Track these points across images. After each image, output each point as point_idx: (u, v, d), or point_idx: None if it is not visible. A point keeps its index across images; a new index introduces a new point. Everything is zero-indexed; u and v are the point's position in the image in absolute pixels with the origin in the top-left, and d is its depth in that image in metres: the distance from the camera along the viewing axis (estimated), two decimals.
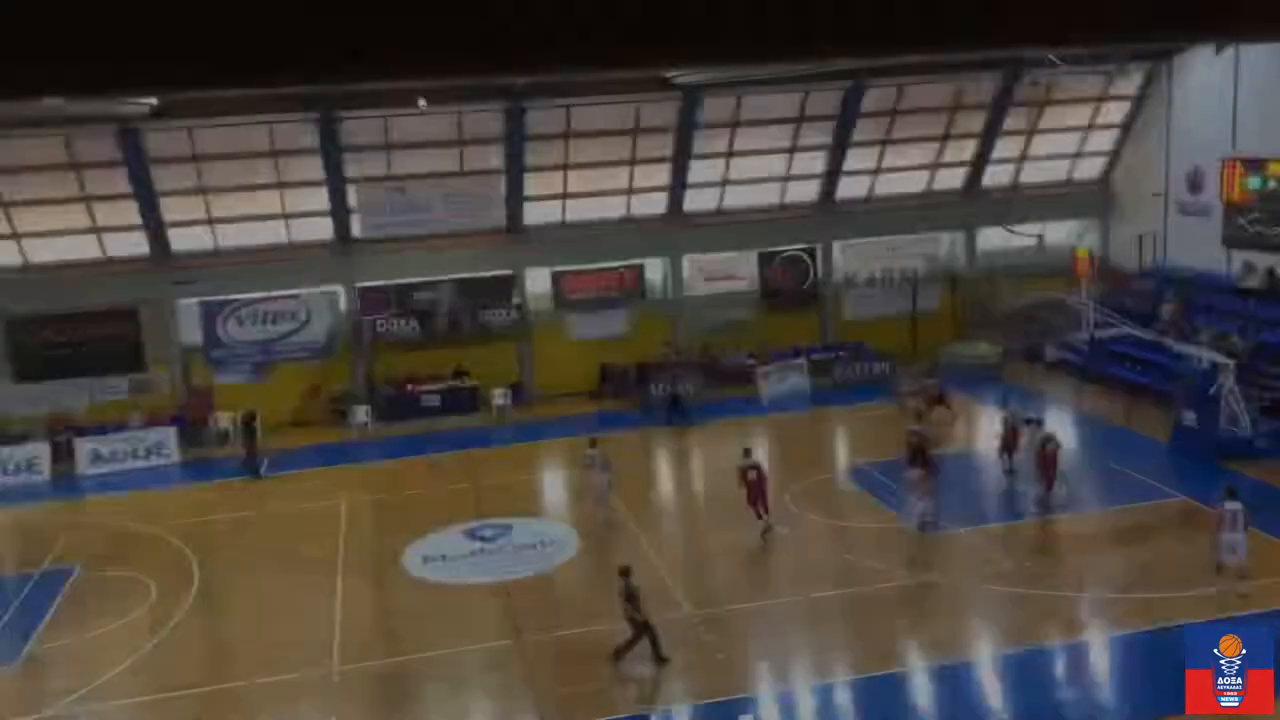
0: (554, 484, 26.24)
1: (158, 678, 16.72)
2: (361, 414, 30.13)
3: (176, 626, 18.50)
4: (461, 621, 18.03)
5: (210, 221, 29.91)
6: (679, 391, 29.81)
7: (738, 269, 33.32)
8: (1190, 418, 24.01)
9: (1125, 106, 33.42)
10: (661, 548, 20.65)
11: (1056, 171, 35.08)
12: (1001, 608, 17.45)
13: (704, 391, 30.94)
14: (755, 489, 20.61)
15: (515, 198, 31.16)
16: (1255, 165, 28.30)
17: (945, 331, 33.91)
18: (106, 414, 29.26)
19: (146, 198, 28.70)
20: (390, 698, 15.79)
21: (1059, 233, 35.48)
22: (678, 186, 32.03)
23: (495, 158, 30.77)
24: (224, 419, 29.81)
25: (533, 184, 31.17)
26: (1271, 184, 27.91)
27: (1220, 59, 29.21)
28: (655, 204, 32.58)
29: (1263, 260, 28.36)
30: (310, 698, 15.88)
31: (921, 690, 15.33)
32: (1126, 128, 33.90)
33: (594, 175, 31.69)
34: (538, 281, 32.38)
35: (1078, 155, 34.74)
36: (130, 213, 29.06)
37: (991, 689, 15.40)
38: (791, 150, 32.18)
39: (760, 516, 20.55)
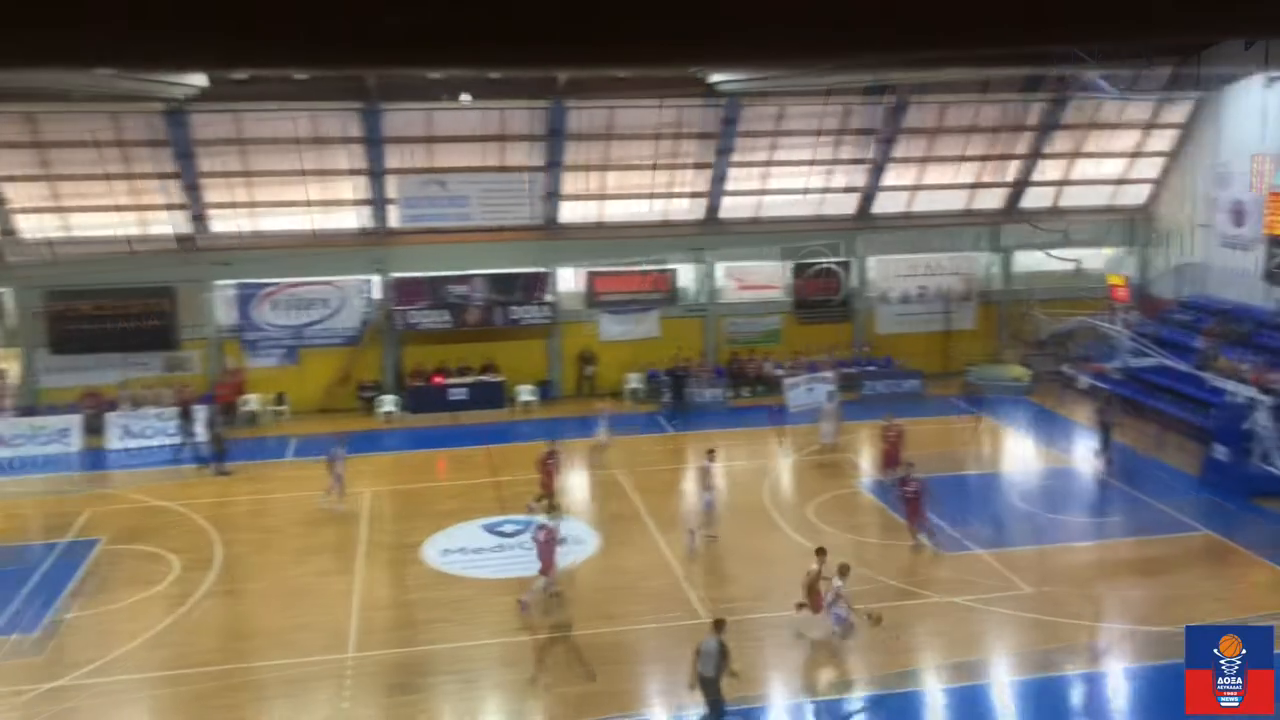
0: (576, 483, 26.27)
1: (174, 653, 16.89)
2: (389, 403, 30.32)
3: (196, 604, 18.69)
4: (478, 615, 18.09)
5: (251, 205, 30.23)
6: (686, 392, 29.91)
7: (771, 278, 33.26)
8: (1222, 452, 23.73)
9: (1173, 135, 33.08)
10: (677, 552, 20.61)
11: (1099, 197, 34.78)
12: (1016, 631, 17.30)
13: (729, 398, 30.96)
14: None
15: (552, 195, 31.27)
16: None
17: (977, 351, 33.71)
18: (136, 390, 29.59)
19: (189, 179, 29.04)
20: (403, 687, 15.87)
21: (1098, 259, 35.21)
22: (715, 193, 32.04)
23: (534, 154, 30.90)
24: (253, 402, 30.13)
25: (570, 183, 31.27)
26: None
27: (1268, 92, 28.86)
28: (692, 209, 32.60)
29: None
30: (324, 682, 15.98)
31: (934, 710, 15.23)
32: (1173, 156, 33.56)
33: (632, 177, 31.77)
34: (570, 280, 32.47)
35: (1121, 181, 34.43)
36: (173, 193, 29.41)
37: (996, 714, 15.27)
38: (831, 162, 32.10)
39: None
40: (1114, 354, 27.17)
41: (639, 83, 28.08)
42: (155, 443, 28.26)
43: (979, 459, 27.15)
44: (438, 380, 30.89)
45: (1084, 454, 26.73)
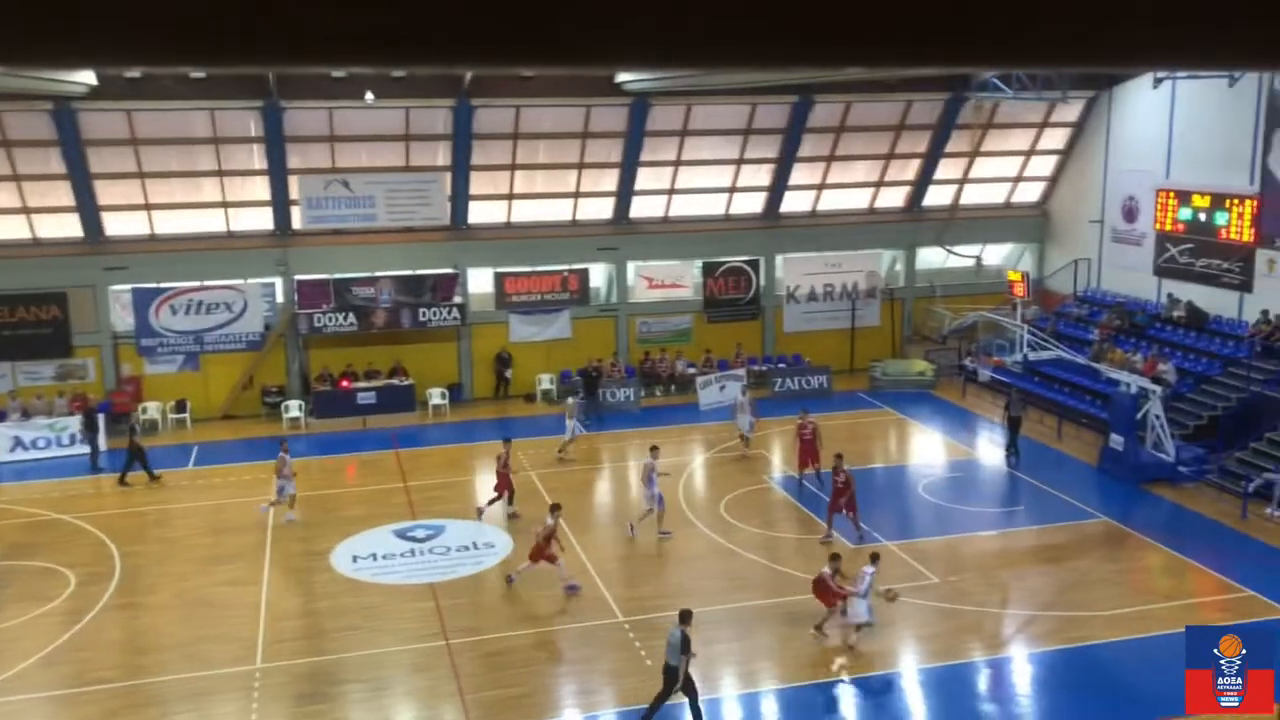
0: (489, 486, 26.07)
1: (72, 671, 16.32)
2: (295, 409, 29.74)
3: (94, 619, 18.09)
4: (389, 622, 17.85)
5: (147, 207, 29.37)
6: (597, 393, 30.05)
7: (681, 278, 33.44)
8: (1117, 441, 24.56)
9: (1066, 133, 34.13)
10: (592, 552, 20.60)
11: (997, 194, 35.73)
12: (924, 621, 17.66)
13: (642, 397, 31.06)
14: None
15: (460, 196, 30.99)
16: (1185, 197, 29.10)
17: (883, 348, 34.37)
18: (28, 399, 28.53)
19: (80, 180, 28.10)
20: (313, 696, 15.57)
21: (997, 255, 36.19)
22: (625, 193, 32.09)
23: (441, 155, 30.59)
24: (153, 409, 29.28)
25: (478, 183, 31.03)
26: (1200, 216, 28.69)
27: (1157, 92, 29.97)
28: (602, 209, 32.61)
29: (1187, 291, 29.12)
30: (231, 694, 15.60)
31: (845, 702, 15.47)
32: (1066, 154, 34.62)
33: (541, 177, 31.67)
34: (479, 282, 32.20)
35: (1018, 179, 35.40)
36: (63, 194, 28.43)
37: (910, 703, 15.59)
38: (738, 162, 32.41)
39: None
40: (1013, 348, 27.95)
41: (546, 82, 28.01)
42: (49, 454, 27.27)
43: (886, 453, 27.70)
44: (345, 384, 30.36)
45: (987, 446, 27.45)
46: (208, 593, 19.11)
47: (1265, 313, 26.39)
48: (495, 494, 22.47)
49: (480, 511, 22.34)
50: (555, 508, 19.12)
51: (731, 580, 19.30)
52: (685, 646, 14.14)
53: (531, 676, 16.01)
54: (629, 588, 19.14)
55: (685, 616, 14.56)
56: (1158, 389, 24.62)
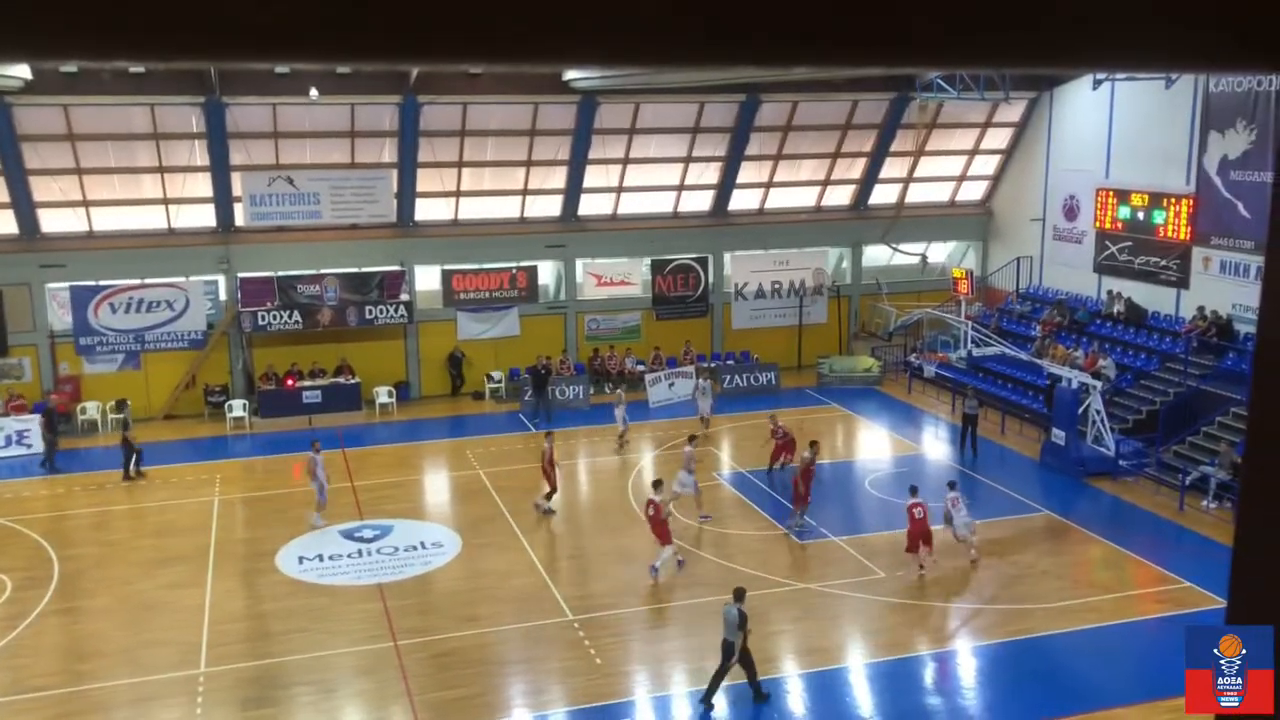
0: (437, 485, 25.93)
1: (8, 679, 15.97)
2: (239, 408, 29.33)
3: (31, 624, 17.71)
4: (337, 623, 17.67)
5: (85, 204, 28.79)
6: (546, 390, 29.96)
7: (630, 275, 33.45)
8: (1059, 436, 24.98)
9: (1008, 133, 34.63)
10: (541, 551, 20.57)
11: (941, 193, 36.17)
12: (872, 616, 17.86)
13: (591, 395, 31.04)
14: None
15: (406, 193, 30.74)
16: (1124, 196, 29.67)
17: (830, 344, 34.65)
18: None
19: (15, 175, 27.47)
20: (259, 700, 15.38)
21: (941, 252, 36.65)
22: (573, 190, 32.02)
23: (388, 151, 30.32)
24: (92, 409, 28.72)
25: (425, 180, 30.80)
26: (1139, 215, 29.27)
27: (1096, 93, 30.51)
28: (550, 207, 32.52)
29: (1126, 288, 29.70)
30: (175, 699, 15.36)
31: (795, 696, 15.59)
32: (1009, 154, 35.13)
33: (489, 174, 31.51)
34: (426, 279, 31.97)
35: (962, 178, 35.86)
36: None
37: (859, 696, 15.75)
38: (686, 160, 32.49)
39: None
40: (957, 344, 28.34)
41: (494, 80, 27.88)
42: None
43: (833, 449, 27.93)
44: (290, 383, 29.99)
45: (933, 441, 27.80)
46: (150, 596, 18.79)
47: (1201, 309, 26.98)
48: (549, 488, 22.45)
49: (546, 510, 22.38)
50: (657, 484, 19.94)
51: (680, 578, 19.35)
52: (743, 622, 14.80)
53: (480, 677, 15.94)
54: (578, 586, 19.12)
55: (740, 594, 15.21)
56: (1098, 384, 25.09)
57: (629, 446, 26.85)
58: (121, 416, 26.79)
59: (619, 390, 28.17)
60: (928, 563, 19.09)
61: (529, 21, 0.97)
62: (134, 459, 25.08)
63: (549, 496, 22.49)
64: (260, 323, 29.77)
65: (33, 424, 27.17)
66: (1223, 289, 26.79)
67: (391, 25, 0.96)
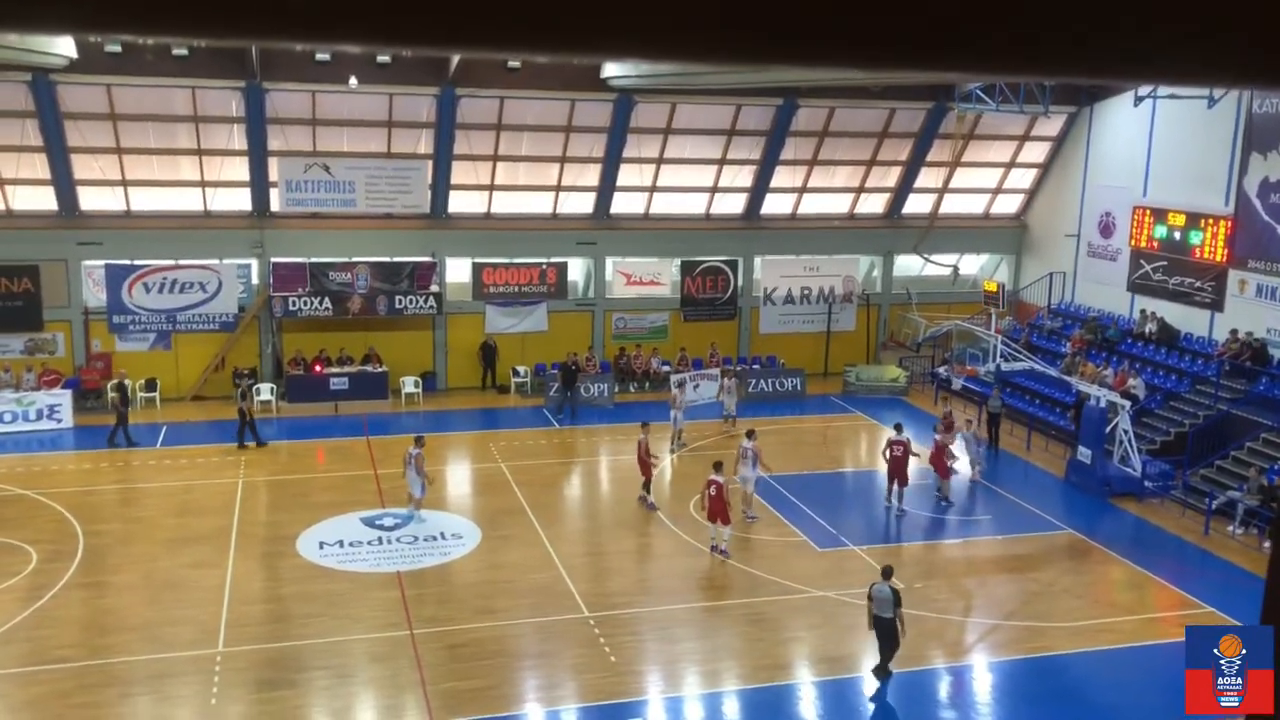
0: (459, 476, 26.02)
1: (30, 649, 16.17)
2: (266, 392, 29.55)
3: (55, 597, 17.93)
4: (354, 610, 17.78)
5: (124, 183, 29.11)
6: (574, 387, 29.94)
7: (660, 275, 33.46)
8: (1085, 454, 24.76)
9: (1046, 147, 34.37)
10: (560, 546, 20.59)
11: (976, 205, 35.94)
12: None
13: (616, 393, 31.05)
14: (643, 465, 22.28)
15: (441, 185, 30.87)
16: (1161, 215, 29.37)
17: (857, 352, 34.51)
18: None
19: (57, 152, 27.81)
20: (274, 682, 15.49)
21: (973, 265, 36.41)
22: (606, 188, 32.06)
23: (424, 143, 30.46)
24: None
25: (460, 173, 30.92)
26: (1175, 235, 28.97)
27: (1137, 110, 30.21)
28: (582, 204, 32.57)
29: (1159, 308, 29.41)
30: (191, 677, 15.50)
31: (807, 704, 15.54)
32: (1046, 168, 34.86)
33: (523, 169, 31.60)
34: (457, 271, 32.10)
35: (997, 191, 35.62)
36: (39, 167, 28.13)
37: (871, 707, 15.67)
38: (721, 162, 32.44)
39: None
40: (986, 357, 28.15)
41: (532, 74, 27.95)
42: (15, 428, 26.99)
43: (855, 457, 27.81)
44: (318, 369, 30.19)
45: (957, 453, 27.58)
46: (172, 574, 18.97)
47: (1234, 332, 26.67)
48: (645, 479, 22.57)
49: (648, 503, 22.47)
50: (718, 465, 20.18)
51: (698, 579, 19.35)
52: (898, 600, 15.41)
53: (494, 669, 15.99)
54: (596, 583, 19.14)
55: (888, 572, 16.02)
56: (1127, 404, 24.85)
57: (683, 446, 26.86)
58: (241, 387, 27.36)
59: (675, 391, 27.62)
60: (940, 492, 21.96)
61: (576, 8, 0.97)
62: (245, 429, 25.76)
63: (646, 487, 22.59)
64: (291, 308, 29.99)
65: (64, 399, 27.51)
66: (1258, 313, 26.48)
67: (438, 7, 0.97)
